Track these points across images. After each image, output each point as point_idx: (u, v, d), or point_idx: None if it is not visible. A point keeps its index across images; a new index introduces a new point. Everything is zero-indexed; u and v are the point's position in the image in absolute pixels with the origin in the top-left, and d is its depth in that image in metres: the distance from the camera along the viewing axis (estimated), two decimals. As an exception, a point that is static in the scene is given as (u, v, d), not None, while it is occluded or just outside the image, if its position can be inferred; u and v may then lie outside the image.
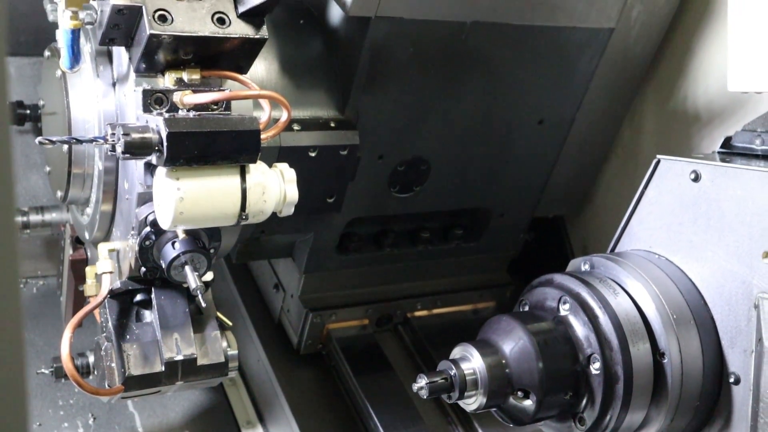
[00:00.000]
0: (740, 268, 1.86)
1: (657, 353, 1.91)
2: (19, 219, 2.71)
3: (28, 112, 2.86)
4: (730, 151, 2.11)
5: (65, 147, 2.19)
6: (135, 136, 1.76)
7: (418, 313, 2.88)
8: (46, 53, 2.35)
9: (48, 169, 2.46)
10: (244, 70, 2.00)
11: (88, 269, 2.31)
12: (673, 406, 1.91)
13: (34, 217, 2.75)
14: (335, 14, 2.30)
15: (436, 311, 2.91)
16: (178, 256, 1.97)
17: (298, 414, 2.61)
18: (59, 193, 2.33)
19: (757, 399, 1.79)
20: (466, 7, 2.28)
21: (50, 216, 2.76)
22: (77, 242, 2.58)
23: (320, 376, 2.76)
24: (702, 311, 1.93)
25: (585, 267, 2.09)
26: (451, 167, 2.61)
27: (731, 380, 1.89)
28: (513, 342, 1.93)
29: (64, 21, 2.00)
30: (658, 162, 2.06)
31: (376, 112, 2.39)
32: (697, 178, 1.97)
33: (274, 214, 1.99)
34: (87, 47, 2.16)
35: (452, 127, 2.53)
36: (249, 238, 2.47)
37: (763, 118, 2.08)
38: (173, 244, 1.99)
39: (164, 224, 1.86)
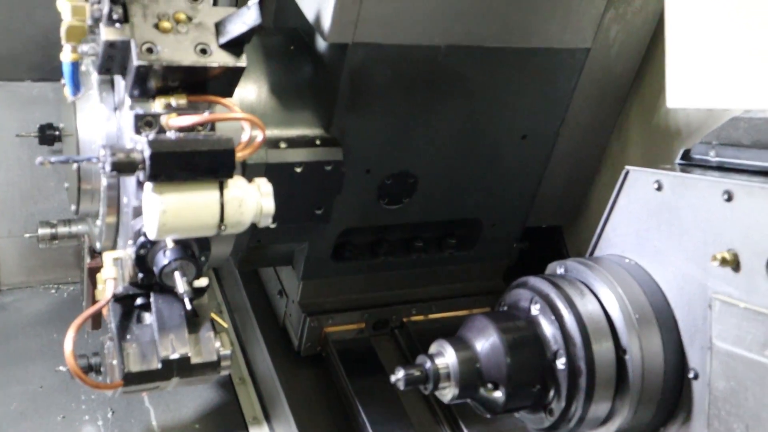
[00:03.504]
0: (696, 270, 1.94)
1: (620, 350, 1.99)
2: (48, 231, 2.86)
3: (57, 133, 3.03)
4: (689, 162, 2.18)
5: (74, 165, 2.37)
6: (120, 155, 1.89)
7: (414, 318, 2.94)
8: (62, 81, 2.43)
9: (66, 185, 2.59)
10: (228, 93, 2.10)
11: (98, 275, 2.39)
12: (635, 399, 1.98)
13: (62, 229, 2.87)
14: (320, 40, 2.39)
15: (431, 316, 2.97)
16: (168, 263, 2.08)
17: (296, 412, 2.70)
18: (73, 207, 2.47)
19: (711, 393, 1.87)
20: (439, 31, 2.36)
21: (76, 228, 2.88)
22: (95, 251, 2.69)
23: (319, 377, 2.83)
24: (665, 311, 2.01)
25: (560, 270, 2.19)
26: (439, 180, 2.68)
27: (691, 375, 1.95)
28: (484, 339, 2.05)
29: (64, 54, 2.20)
30: (627, 173, 2.15)
31: (361, 130, 2.47)
32: (659, 188, 2.05)
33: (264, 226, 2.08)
34: (94, 75, 2.28)
35: (436, 142, 2.60)
36: (248, 247, 2.57)
37: (717, 132, 2.14)
38: (164, 252, 2.11)
39: (151, 234, 1.97)
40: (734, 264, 1.85)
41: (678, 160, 2.19)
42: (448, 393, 2.07)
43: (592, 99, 2.75)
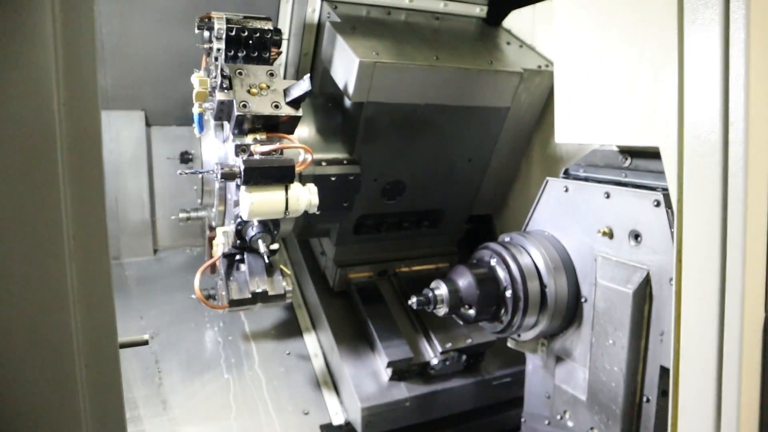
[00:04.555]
0: (587, 239, 1.96)
1: (543, 286, 2.02)
2: (185, 215, 2.85)
3: (190, 156, 3.05)
4: (567, 176, 2.18)
5: (200, 175, 2.38)
6: (226, 169, 1.92)
7: (402, 269, 2.92)
8: (193, 125, 2.46)
9: (195, 187, 2.60)
10: (291, 132, 2.11)
11: (213, 241, 2.44)
12: (551, 314, 2.02)
13: (193, 214, 2.82)
14: (347, 100, 2.39)
15: (414, 268, 2.94)
16: (255, 234, 2.13)
17: (332, 325, 2.71)
18: (199, 201, 2.50)
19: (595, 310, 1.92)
20: (419, 95, 2.36)
21: (201, 213, 2.88)
22: (211, 227, 2.73)
23: (345, 304, 2.83)
24: (569, 263, 2.03)
25: (507, 239, 2.19)
26: (418, 186, 2.66)
27: (583, 300, 1.99)
28: (464, 279, 2.08)
29: (194, 108, 2.21)
30: (548, 181, 2.15)
31: (371, 155, 2.46)
32: (567, 190, 2.06)
33: (312, 213, 2.10)
34: (211, 122, 2.28)
35: (417, 162, 2.58)
36: (302, 225, 2.58)
37: (584, 158, 2.11)
38: (252, 228, 2.14)
39: (244, 217, 1.99)
40: (610, 235, 1.89)
41: (561, 175, 2.19)
42: (441, 310, 2.10)
43: (510, 138, 2.73)
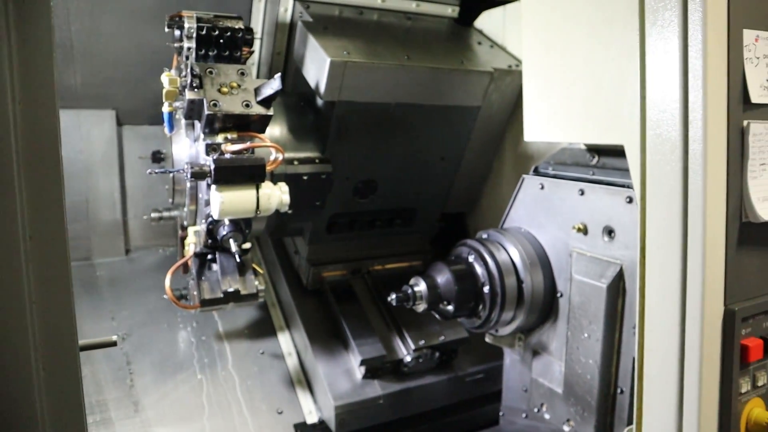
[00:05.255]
0: (562, 235, 1.99)
1: (519, 281, 2.04)
2: (157, 214, 2.81)
3: (162, 155, 3.00)
4: (537, 174, 2.20)
5: (171, 174, 2.33)
6: (197, 168, 1.89)
7: (375, 267, 2.89)
8: (164, 124, 2.45)
9: (166, 186, 2.55)
10: (262, 131, 2.07)
11: (185, 241, 2.41)
12: (527, 309, 2.04)
13: (165, 213, 2.79)
14: (318, 99, 2.38)
15: (387, 266, 2.92)
16: (226, 233, 2.10)
17: (305, 324, 2.69)
18: (170, 200, 2.45)
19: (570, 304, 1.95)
20: (391, 94, 2.36)
21: (173, 213, 2.82)
22: (183, 227, 2.69)
23: (319, 303, 2.80)
24: (544, 259, 2.06)
25: (484, 236, 2.20)
26: (390, 184, 2.65)
27: (559, 295, 2.01)
28: (442, 275, 2.09)
29: (164, 107, 2.17)
30: (524, 179, 2.17)
31: (343, 154, 2.45)
32: (542, 187, 2.09)
33: (284, 212, 2.09)
34: (182, 120, 2.24)
35: (389, 161, 2.57)
36: (275, 224, 2.53)
37: (553, 156, 2.15)
38: (224, 227, 2.12)
39: (215, 216, 1.96)
40: (584, 231, 1.93)
41: (531, 173, 2.21)
42: (420, 306, 2.11)
43: (482, 136, 2.74)
